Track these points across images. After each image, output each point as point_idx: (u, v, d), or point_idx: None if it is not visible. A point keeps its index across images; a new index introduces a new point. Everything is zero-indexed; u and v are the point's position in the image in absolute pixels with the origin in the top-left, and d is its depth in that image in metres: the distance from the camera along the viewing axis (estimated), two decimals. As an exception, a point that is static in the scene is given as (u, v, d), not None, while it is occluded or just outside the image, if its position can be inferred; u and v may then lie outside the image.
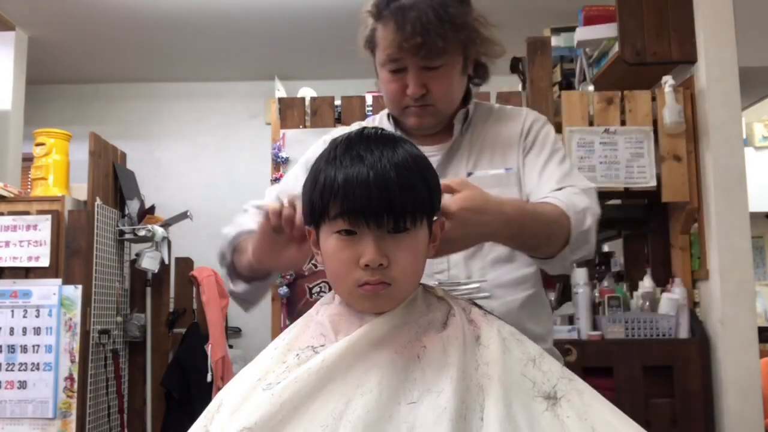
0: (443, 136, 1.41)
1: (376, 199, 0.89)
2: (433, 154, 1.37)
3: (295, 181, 1.39)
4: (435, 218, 1.00)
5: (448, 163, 1.39)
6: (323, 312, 1.01)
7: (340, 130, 1.46)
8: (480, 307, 1.03)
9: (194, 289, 3.59)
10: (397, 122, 1.44)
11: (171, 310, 3.56)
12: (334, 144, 0.97)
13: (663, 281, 2.81)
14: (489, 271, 1.32)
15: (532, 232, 1.19)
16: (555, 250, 1.25)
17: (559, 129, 2.79)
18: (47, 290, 3.00)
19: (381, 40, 1.31)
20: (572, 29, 3.21)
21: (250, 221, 1.32)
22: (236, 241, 1.29)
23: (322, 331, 0.98)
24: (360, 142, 0.95)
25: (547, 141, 1.41)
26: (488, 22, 1.36)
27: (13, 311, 2.99)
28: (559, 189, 1.31)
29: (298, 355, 0.95)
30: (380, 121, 1.49)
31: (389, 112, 1.45)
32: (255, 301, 1.38)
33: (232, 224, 1.35)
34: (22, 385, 2.94)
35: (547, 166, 1.37)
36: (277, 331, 2.82)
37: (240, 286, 1.31)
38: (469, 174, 1.37)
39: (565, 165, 1.39)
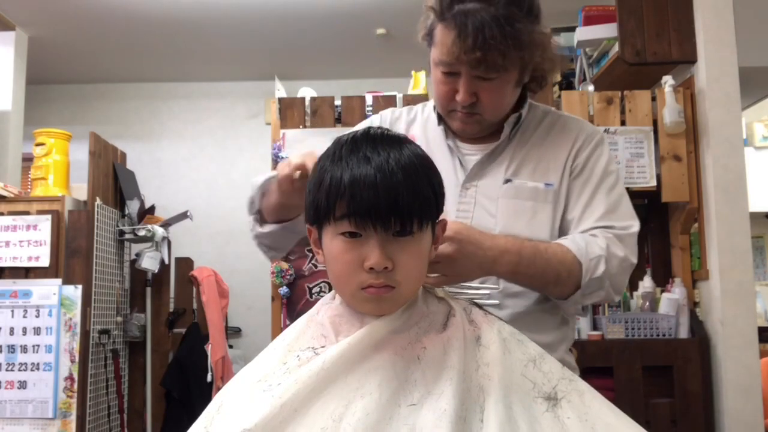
0: (490, 137, 1.37)
1: (383, 201, 0.88)
2: (473, 153, 1.36)
3: None
4: (438, 220, 0.99)
5: (487, 165, 1.35)
6: (324, 312, 1.01)
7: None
8: (480, 307, 1.03)
9: (194, 289, 3.58)
10: (442, 118, 1.40)
11: (171, 310, 3.56)
12: (339, 143, 0.96)
13: (663, 281, 2.81)
14: (502, 282, 1.28)
15: (535, 267, 1.19)
16: (566, 292, 1.25)
17: (559, 129, 2.78)
18: (47, 290, 2.99)
19: (439, 41, 1.27)
20: (572, 29, 3.21)
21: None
22: (265, 185, 1.30)
23: (322, 331, 0.98)
24: (366, 143, 0.94)
25: (598, 166, 1.35)
26: (551, 37, 1.31)
27: (13, 311, 2.99)
28: (594, 228, 1.29)
29: (298, 356, 0.94)
30: (427, 113, 1.45)
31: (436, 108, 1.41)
32: (282, 247, 1.38)
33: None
34: (22, 385, 2.94)
35: (594, 199, 1.32)
36: (277, 331, 2.82)
37: (268, 227, 1.32)
38: (507, 181, 1.33)
39: (613, 195, 1.34)
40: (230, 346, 3.96)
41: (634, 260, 1.30)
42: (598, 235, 1.28)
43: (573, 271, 1.22)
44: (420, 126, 1.44)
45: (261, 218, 1.34)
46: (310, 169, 1.05)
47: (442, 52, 1.25)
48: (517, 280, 1.23)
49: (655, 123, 2.76)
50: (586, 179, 1.34)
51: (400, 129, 1.43)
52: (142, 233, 3.32)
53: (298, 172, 1.11)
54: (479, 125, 1.33)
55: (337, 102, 3.00)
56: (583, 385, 0.95)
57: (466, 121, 1.32)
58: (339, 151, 0.94)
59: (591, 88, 2.88)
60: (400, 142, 0.96)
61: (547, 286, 1.25)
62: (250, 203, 1.35)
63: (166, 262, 3.47)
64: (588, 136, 1.38)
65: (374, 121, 1.47)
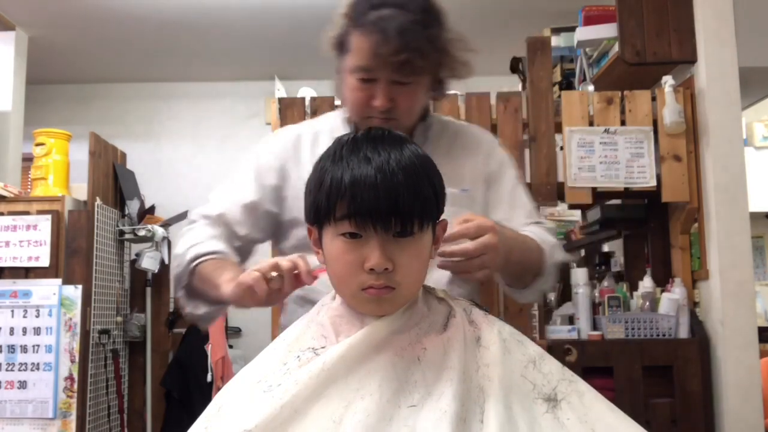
0: None
1: (384, 203, 0.88)
2: None
3: (244, 191, 1.38)
4: (438, 220, 0.99)
5: None
6: (324, 313, 1.01)
7: (270, 138, 1.48)
8: (481, 307, 1.03)
9: (194, 289, 3.58)
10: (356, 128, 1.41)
11: (171, 310, 3.56)
12: (340, 143, 0.96)
13: (663, 281, 2.81)
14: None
15: (519, 259, 1.23)
16: (530, 281, 1.31)
17: (559, 129, 2.79)
18: (47, 290, 3.00)
19: (356, 47, 1.28)
20: (572, 29, 3.21)
21: (202, 236, 1.32)
22: (193, 265, 1.28)
23: (322, 332, 0.98)
24: (366, 143, 0.94)
25: (510, 170, 1.44)
26: (466, 44, 1.35)
27: (13, 311, 2.99)
28: (530, 223, 1.37)
29: (298, 356, 0.94)
30: (334, 123, 1.46)
31: (349, 116, 1.42)
32: (214, 320, 1.38)
33: (182, 240, 1.34)
34: (22, 385, 2.94)
35: (517, 200, 1.41)
36: (276, 331, 2.81)
37: (202, 309, 1.31)
38: None
39: (528, 196, 1.45)
40: (230, 346, 3.96)
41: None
42: (538, 227, 1.36)
43: (539, 259, 1.29)
44: (326, 140, 1.41)
45: (193, 295, 1.31)
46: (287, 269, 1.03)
47: (361, 56, 1.27)
48: (509, 268, 1.25)
49: (655, 123, 2.75)
50: (505, 183, 1.42)
51: (305, 145, 1.42)
52: (142, 233, 3.33)
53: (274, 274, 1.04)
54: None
55: (337, 102, 2.99)
56: (583, 386, 0.95)
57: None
58: (339, 151, 0.94)
59: (591, 88, 2.88)
60: (401, 142, 0.96)
61: (525, 275, 1.30)
62: (177, 279, 1.32)
63: (166, 262, 3.47)
64: (493, 143, 1.48)
65: (271, 142, 1.47)
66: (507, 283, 1.33)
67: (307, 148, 1.42)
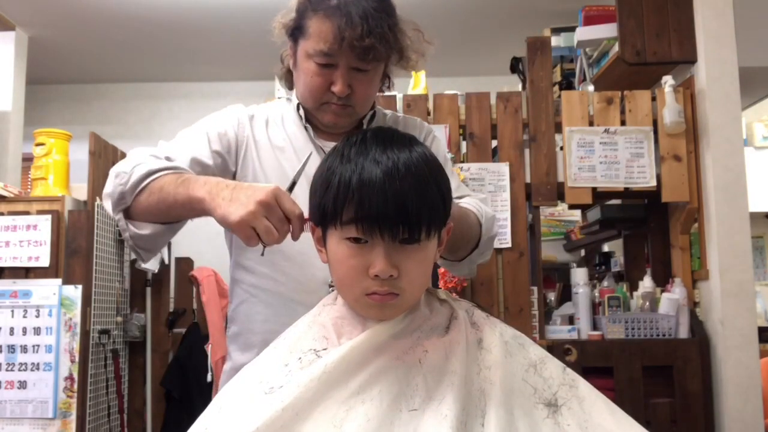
0: (351, 133, 1.40)
1: (391, 210, 0.87)
2: None
3: (195, 147, 1.32)
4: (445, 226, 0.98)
5: None
6: (326, 314, 1.00)
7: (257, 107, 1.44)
8: (483, 309, 1.03)
9: (194, 289, 3.58)
10: (306, 115, 1.40)
11: (171, 310, 3.56)
12: (349, 143, 0.95)
13: (663, 281, 2.81)
14: None
15: (465, 227, 1.23)
16: (466, 253, 1.30)
17: (559, 129, 2.79)
18: (47, 290, 2.99)
19: (316, 32, 1.26)
20: (572, 29, 3.21)
21: (148, 158, 1.24)
22: (148, 180, 1.19)
23: (324, 333, 0.97)
24: (375, 144, 0.92)
25: (440, 151, 1.43)
26: (423, 35, 1.36)
27: (13, 311, 2.98)
28: (460, 197, 1.36)
29: (300, 358, 0.94)
30: (284, 110, 1.43)
31: (301, 103, 1.39)
32: (159, 248, 1.30)
33: (121, 162, 1.25)
34: (22, 385, 2.94)
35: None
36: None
37: (147, 228, 1.22)
38: None
39: (455, 176, 1.43)
40: (230, 346, 3.95)
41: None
42: (473, 199, 1.36)
43: (476, 232, 1.29)
44: (278, 126, 1.41)
45: (133, 214, 1.22)
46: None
47: (324, 41, 1.25)
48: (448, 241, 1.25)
49: (655, 123, 2.76)
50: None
51: (258, 126, 1.40)
52: (142, 233, 3.32)
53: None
54: (350, 118, 1.36)
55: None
56: (584, 391, 0.95)
57: (339, 114, 1.33)
58: (348, 151, 0.93)
59: (591, 88, 2.88)
60: (410, 143, 0.95)
61: (459, 249, 1.29)
62: (119, 197, 1.21)
63: (166, 262, 3.47)
64: (427, 129, 1.48)
65: (227, 116, 1.41)
66: (441, 255, 1.33)
67: (260, 129, 1.40)
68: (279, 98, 1.45)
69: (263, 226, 1.02)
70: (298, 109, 1.41)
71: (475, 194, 1.43)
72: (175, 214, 1.20)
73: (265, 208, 1.02)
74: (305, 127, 1.39)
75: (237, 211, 1.03)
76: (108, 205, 1.24)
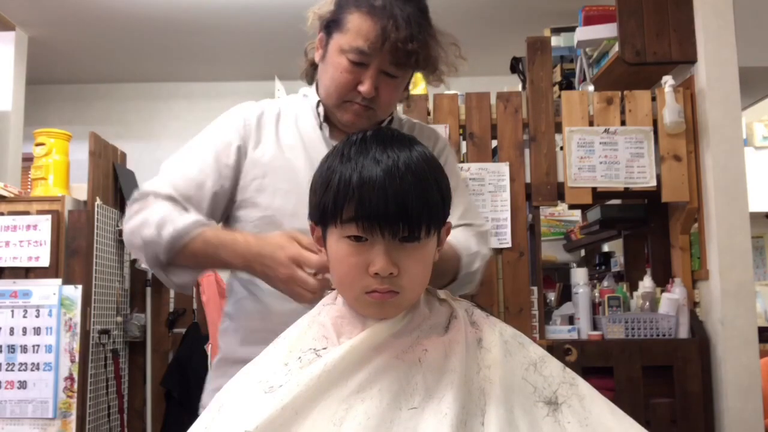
0: None
1: (392, 208, 0.87)
2: None
3: (201, 167, 1.31)
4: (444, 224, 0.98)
5: None
6: (326, 313, 1.00)
7: (251, 105, 1.43)
8: (482, 308, 1.03)
9: (194, 289, 3.58)
10: (324, 113, 1.38)
11: (171, 310, 3.56)
12: (349, 142, 0.95)
13: (663, 281, 2.81)
14: None
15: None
16: (441, 284, 1.27)
17: (559, 129, 2.79)
18: (47, 290, 2.99)
19: (355, 28, 1.25)
20: (572, 29, 3.21)
21: (166, 210, 1.24)
22: (181, 242, 1.21)
23: (324, 333, 0.97)
24: (375, 144, 0.92)
25: (455, 169, 1.42)
26: (459, 50, 1.35)
27: (13, 311, 2.98)
28: (459, 225, 1.35)
29: (300, 357, 0.94)
30: (299, 109, 1.42)
31: (321, 100, 1.37)
32: (194, 283, 1.35)
33: (138, 216, 1.25)
34: (22, 385, 2.94)
35: (455, 199, 1.40)
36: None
37: (185, 277, 1.26)
38: None
39: (467, 197, 1.44)
40: (230, 346, 3.95)
41: (489, 254, 1.41)
42: (464, 232, 1.35)
43: (454, 265, 1.28)
44: (291, 124, 1.40)
45: (171, 266, 1.25)
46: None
47: (362, 38, 1.24)
48: None
49: (655, 123, 2.75)
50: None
51: (267, 124, 1.39)
52: (142, 233, 3.32)
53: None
54: (369, 120, 1.34)
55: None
56: (584, 389, 0.95)
57: (360, 114, 1.32)
58: (348, 151, 0.93)
59: (591, 88, 2.88)
60: (410, 143, 0.95)
61: (437, 278, 1.27)
62: (153, 260, 1.24)
63: (166, 262, 3.46)
64: (442, 141, 1.46)
65: (237, 114, 1.41)
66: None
67: (268, 127, 1.38)
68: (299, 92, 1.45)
69: (301, 282, 1.12)
70: (317, 106, 1.39)
71: (476, 226, 1.40)
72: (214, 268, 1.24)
73: (294, 263, 1.13)
74: (321, 126, 1.38)
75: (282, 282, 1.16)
76: (139, 256, 1.29)
